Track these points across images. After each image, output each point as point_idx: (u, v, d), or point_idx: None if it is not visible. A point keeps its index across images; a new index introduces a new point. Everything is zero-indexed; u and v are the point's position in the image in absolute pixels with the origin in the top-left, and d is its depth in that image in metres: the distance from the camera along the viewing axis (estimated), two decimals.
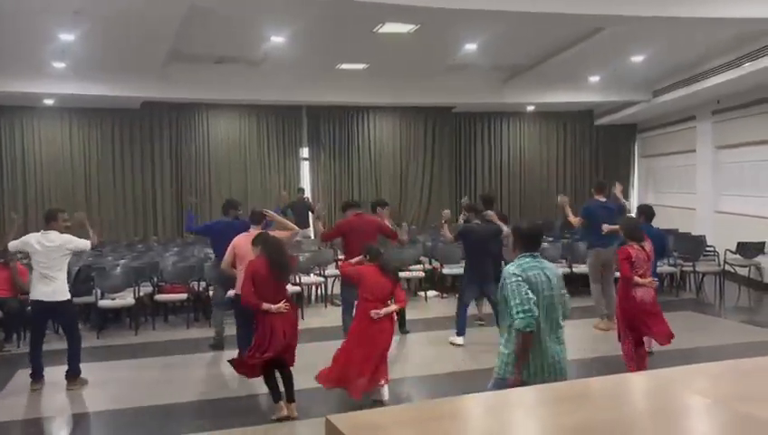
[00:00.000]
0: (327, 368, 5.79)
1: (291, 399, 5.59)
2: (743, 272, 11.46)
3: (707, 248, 11.54)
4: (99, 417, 5.99)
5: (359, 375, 5.60)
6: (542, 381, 3.67)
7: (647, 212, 7.68)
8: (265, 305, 5.42)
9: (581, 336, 7.98)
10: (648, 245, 6.32)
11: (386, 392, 5.86)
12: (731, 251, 11.23)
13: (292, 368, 5.62)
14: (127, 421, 5.73)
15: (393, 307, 5.83)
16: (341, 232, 7.86)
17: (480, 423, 2.02)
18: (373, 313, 5.68)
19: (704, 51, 11.02)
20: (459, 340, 7.95)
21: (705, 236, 11.89)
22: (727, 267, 11.27)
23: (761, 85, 11.07)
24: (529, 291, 3.69)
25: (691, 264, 10.81)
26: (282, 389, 5.57)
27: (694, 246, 11.46)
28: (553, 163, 16.72)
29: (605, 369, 6.50)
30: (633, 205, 16.85)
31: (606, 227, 8.16)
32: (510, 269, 3.85)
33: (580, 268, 9.97)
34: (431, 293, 10.91)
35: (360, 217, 7.96)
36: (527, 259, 3.88)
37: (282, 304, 5.47)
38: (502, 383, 3.73)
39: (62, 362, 6.83)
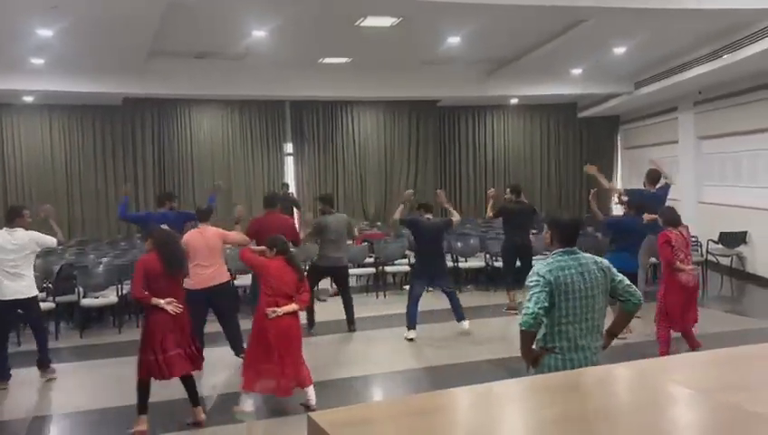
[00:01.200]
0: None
1: (195, 402, 5.44)
2: (725, 262, 11.58)
3: (690, 238, 11.62)
4: (83, 416, 5.93)
5: (269, 377, 5.39)
6: None
7: (637, 205, 7.89)
8: (155, 300, 5.14)
9: None
10: (685, 230, 6.55)
11: (312, 395, 5.55)
12: (713, 241, 11.33)
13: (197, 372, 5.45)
14: (112, 420, 5.68)
15: (293, 306, 5.49)
16: (251, 232, 7.46)
17: (464, 416, 2.01)
18: (269, 311, 5.37)
19: (685, 42, 11.08)
20: (411, 334, 7.93)
21: (687, 227, 11.97)
22: (710, 257, 11.37)
23: (741, 76, 11.17)
24: (543, 294, 3.56)
25: None
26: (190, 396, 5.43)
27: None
28: (537, 156, 16.78)
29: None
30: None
31: (647, 217, 8.24)
32: (537, 267, 3.73)
33: None
34: None
35: (273, 215, 7.81)
36: (562, 257, 3.69)
37: (172, 303, 5.17)
38: None
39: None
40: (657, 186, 8.82)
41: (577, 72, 13.54)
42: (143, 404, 5.25)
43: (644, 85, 13.50)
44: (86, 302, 8.60)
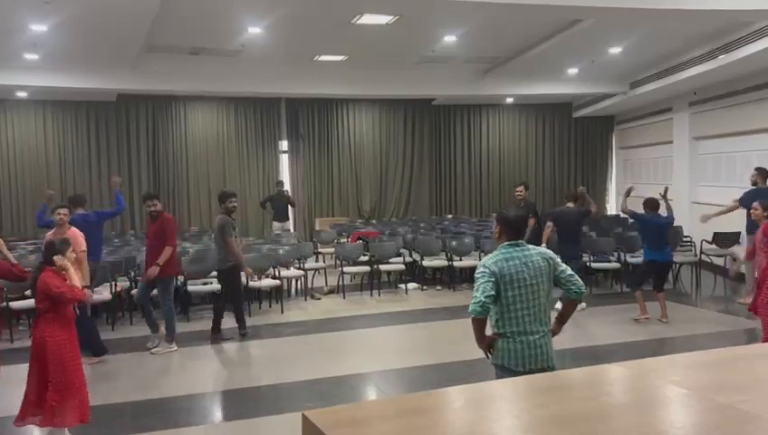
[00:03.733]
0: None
1: None
2: (718, 262, 11.61)
3: (684, 239, 11.67)
4: None
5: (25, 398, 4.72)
6: (526, 367, 3.86)
7: (651, 205, 8.63)
8: None
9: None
10: None
11: None
12: (707, 241, 11.36)
13: None
14: (104, 418, 5.65)
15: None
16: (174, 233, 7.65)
17: (459, 415, 2.01)
18: None
19: (680, 43, 11.11)
20: (558, 305, 8.29)
21: (681, 227, 12.02)
22: (703, 257, 11.40)
23: (736, 77, 11.21)
24: (489, 284, 3.81)
25: None
26: None
27: (671, 236, 11.55)
28: (532, 155, 16.82)
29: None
30: (612, 196, 17.07)
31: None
32: (483, 260, 4.00)
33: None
34: (411, 285, 10.91)
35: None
36: (507, 250, 3.93)
37: None
38: (498, 370, 3.96)
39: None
40: None
41: (573, 71, 13.56)
42: None
43: (639, 85, 13.52)
44: None
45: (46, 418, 4.62)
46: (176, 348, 7.50)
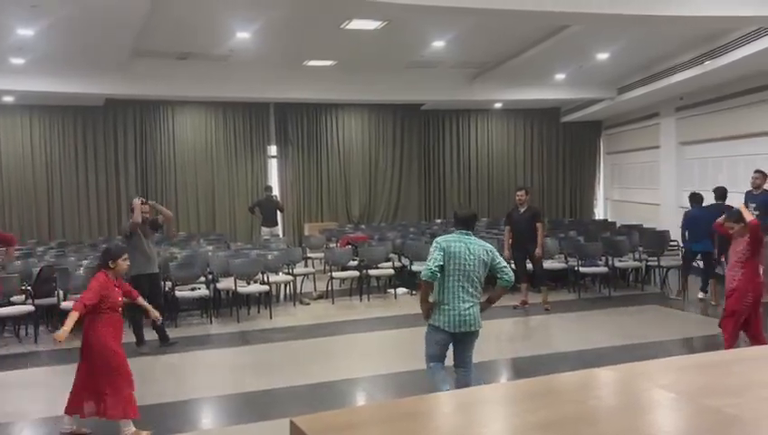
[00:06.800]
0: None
1: None
2: None
3: (671, 243, 11.73)
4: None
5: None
6: (455, 329, 4.85)
7: (696, 199, 9.60)
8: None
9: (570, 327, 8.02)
10: None
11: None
12: None
13: None
14: (91, 425, 5.60)
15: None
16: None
17: (448, 421, 2.00)
18: None
19: (667, 49, 11.21)
20: (700, 295, 9.91)
21: (668, 232, 12.08)
22: None
23: (722, 82, 11.31)
24: (439, 255, 4.74)
25: (655, 258, 10.98)
26: None
27: (658, 240, 11.64)
28: (521, 160, 16.88)
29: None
30: (600, 200, 17.16)
31: None
32: (437, 238, 5.00)
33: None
34: (400, 290, 10.90)
35: None
36: (457, 235, 4.93)
37: None
38: (430, 328, 4.99)
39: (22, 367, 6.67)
40: None
41: (561, 77, 13.63)
42: None
43: (627, 91, 13.61)
44: (66, 305, 8.47)
45: (98, 408, 5.04)
46: None
